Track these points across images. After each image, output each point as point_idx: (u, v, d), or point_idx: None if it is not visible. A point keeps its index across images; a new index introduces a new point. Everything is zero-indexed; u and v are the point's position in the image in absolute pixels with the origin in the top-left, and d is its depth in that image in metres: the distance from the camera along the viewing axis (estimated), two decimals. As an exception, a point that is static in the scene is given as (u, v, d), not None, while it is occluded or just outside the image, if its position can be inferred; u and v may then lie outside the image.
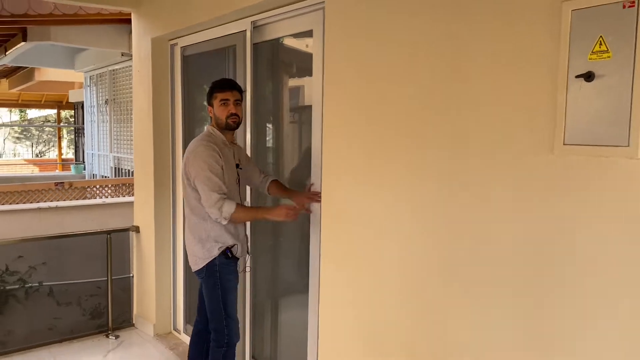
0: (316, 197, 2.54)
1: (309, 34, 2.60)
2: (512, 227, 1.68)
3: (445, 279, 1.91)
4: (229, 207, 2.47)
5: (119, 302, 4.21)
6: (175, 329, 4.04)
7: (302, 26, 2.67)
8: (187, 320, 3.88)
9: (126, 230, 4.23)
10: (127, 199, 6.05)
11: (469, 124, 1.78)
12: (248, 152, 3.05)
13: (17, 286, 4.00)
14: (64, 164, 15.31)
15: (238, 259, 2.69)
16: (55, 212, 5.40)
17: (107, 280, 4.10)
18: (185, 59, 3.75)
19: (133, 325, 4.24)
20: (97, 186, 6.95)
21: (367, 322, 2.24)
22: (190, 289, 3.82)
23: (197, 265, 2.64)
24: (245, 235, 2.76)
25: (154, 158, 3.91)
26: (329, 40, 2.35)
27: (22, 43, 6.40)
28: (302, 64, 2.88)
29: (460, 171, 1.82)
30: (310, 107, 2.62)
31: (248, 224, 2.95)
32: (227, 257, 2.60)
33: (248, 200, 3.12)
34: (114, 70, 8.24)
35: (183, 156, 2.74)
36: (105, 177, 8.56)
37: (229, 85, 2.62)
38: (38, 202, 6.02)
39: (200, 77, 3.73)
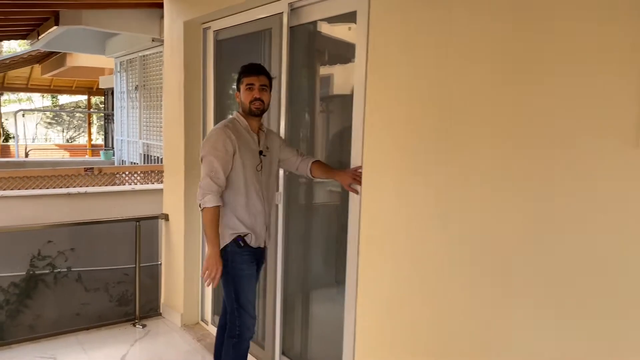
0: (360, 177, 2.37)
1: (352, 16, 2.44)
2: (586, 230, 1.51)
3: (499, 282, 1.75)
4: (210, 201, 2.41)
5: (147, 290, 4.17)
6: (203, 320, 3.97)
7: (344, 7, 2.51)
8: (215, 312, 3.80)
9: (155, 217, 4.17)
10: (156, 186, 6.02)
11: (540, 119, 1.61)
12: (282, 141, 2.92)
13: (46, 271, 4.00)
14: (94, 149, 15.52)
15: (255, 248, 2.56)
16: (84, 198, 5.40)
17: (135, 268, 4.06)
18: (218, 43, 3.63)
19: (160, 314, 4.20)
20: (126, 172, 6.95)
21: (407, 322, 2.10)
22: (219, 280, 3.73)
23: None
24: (266, 225, 2.62)
25: (185, 145, 3.82)
26: (374, 23, 2.19)
27: (55, 27, 6.39)
28: (343, 49, 2.73)
29: (527, 169, 1.65)
30: (351, 95, 2.47)
31: (273, 214, 2.83)
32: (239, 246, 2.50)
33: (280, 191, 3.00)
34: (144, 56, 8.22)
35: None
36: (135, 163, 8.59)
37: (255, 70, 2.52)
38: (68, 187, 6.04)
39: (233, 62, 3.60)
